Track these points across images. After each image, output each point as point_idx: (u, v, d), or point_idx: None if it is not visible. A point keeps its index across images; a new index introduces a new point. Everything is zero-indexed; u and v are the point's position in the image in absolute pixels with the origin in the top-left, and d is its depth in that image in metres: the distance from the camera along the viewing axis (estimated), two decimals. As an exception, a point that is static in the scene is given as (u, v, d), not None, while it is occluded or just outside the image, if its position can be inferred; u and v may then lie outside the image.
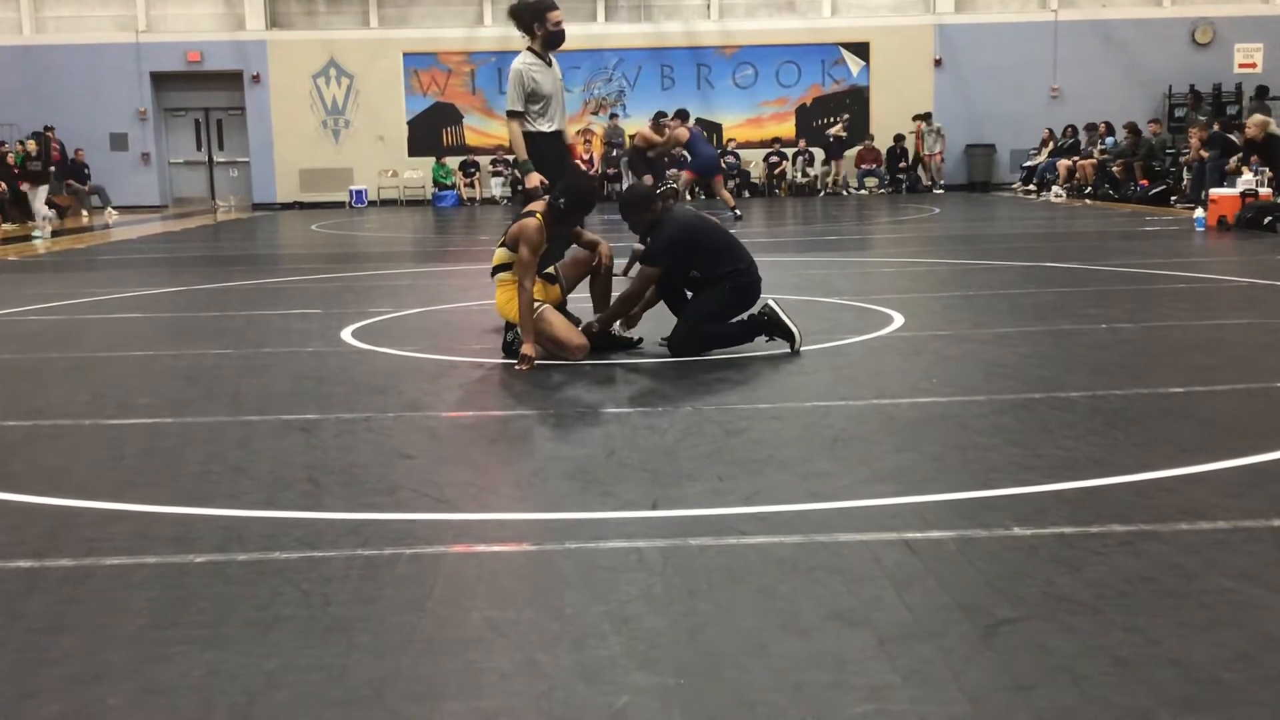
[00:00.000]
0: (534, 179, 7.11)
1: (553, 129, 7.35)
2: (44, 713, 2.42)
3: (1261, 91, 20.42)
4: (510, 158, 23.45)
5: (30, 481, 4.12)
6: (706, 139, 19.14)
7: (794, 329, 6.14)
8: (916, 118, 25.20)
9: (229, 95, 26.25)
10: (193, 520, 3.64)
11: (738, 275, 6.26)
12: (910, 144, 25.54)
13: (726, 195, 17.93)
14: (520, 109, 7.25)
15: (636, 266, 6.40)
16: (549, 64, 7.36)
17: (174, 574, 3.17)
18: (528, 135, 7.26)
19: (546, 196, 6.52)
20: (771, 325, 6.18)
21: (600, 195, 6.15)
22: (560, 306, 6.48)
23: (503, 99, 7.52)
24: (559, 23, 7.30)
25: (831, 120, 25.84)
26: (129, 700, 2.46)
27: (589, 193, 6.39)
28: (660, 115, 17.98)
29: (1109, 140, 22.23)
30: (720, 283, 6.23)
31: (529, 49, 7.32)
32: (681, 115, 17.58)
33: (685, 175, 17.92)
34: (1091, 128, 22.82)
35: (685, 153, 17.86)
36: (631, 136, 18.70)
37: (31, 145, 22.12)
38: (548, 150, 7.32)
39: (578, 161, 24.65)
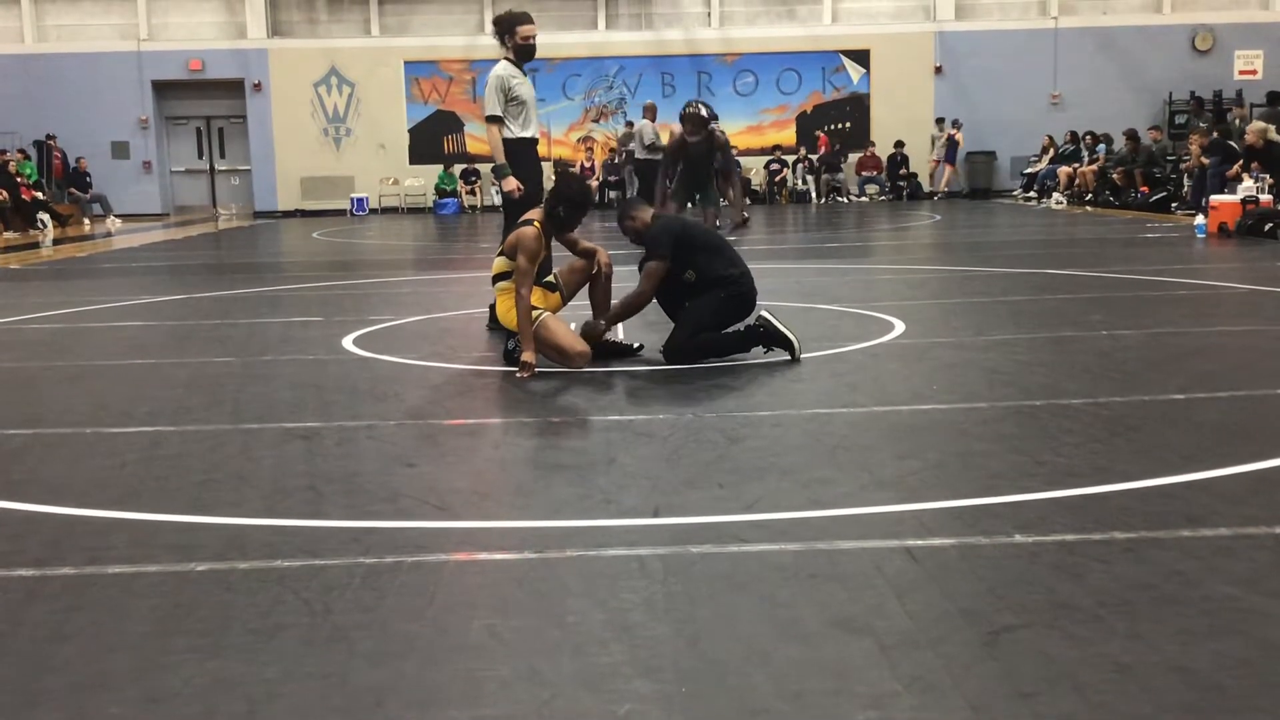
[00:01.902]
0: (510, 183, 7.44)
1: (532, 135, 7.61)
2: (45, 721, 2.43)
3: (1274, 97, 20.40)
4: (484, 165, 23.71)
5: (32, 490, 4.12)
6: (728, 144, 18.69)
7: (792, 337, 6.13)
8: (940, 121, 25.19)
9: (230, 103, 26.31)
10: (194, 528, 3.64)
11: (732, 283, 6.26)
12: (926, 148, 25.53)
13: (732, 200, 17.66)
14: (500, 114, 7.62)
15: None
16: (524, 74, 7.73)
17: (175, 582, 3.17)
18: (508, 141, 7.54)
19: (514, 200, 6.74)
20: (768, 336, 6.16)
21: (594, 199, 6.20)
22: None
23: (501, 108, 7.73)
24: (528, 37, 7.67)
25: (833, 128, 25.89)
26: (130, 709, 2.46)
27: (583, 195, 6.39)
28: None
29: (1099, 148, 22.27)
30: (716, 288, 6.23)
31: (506, 59, 7.68)
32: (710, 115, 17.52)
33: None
34: (1088, 135, 22.85)
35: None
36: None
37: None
38: (528, 155, 7.64)
39: (576, 169, 24.72)
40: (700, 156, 13.28)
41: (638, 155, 16.33)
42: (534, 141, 7.75)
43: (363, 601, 2.99)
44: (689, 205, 14.46)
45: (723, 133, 13.08)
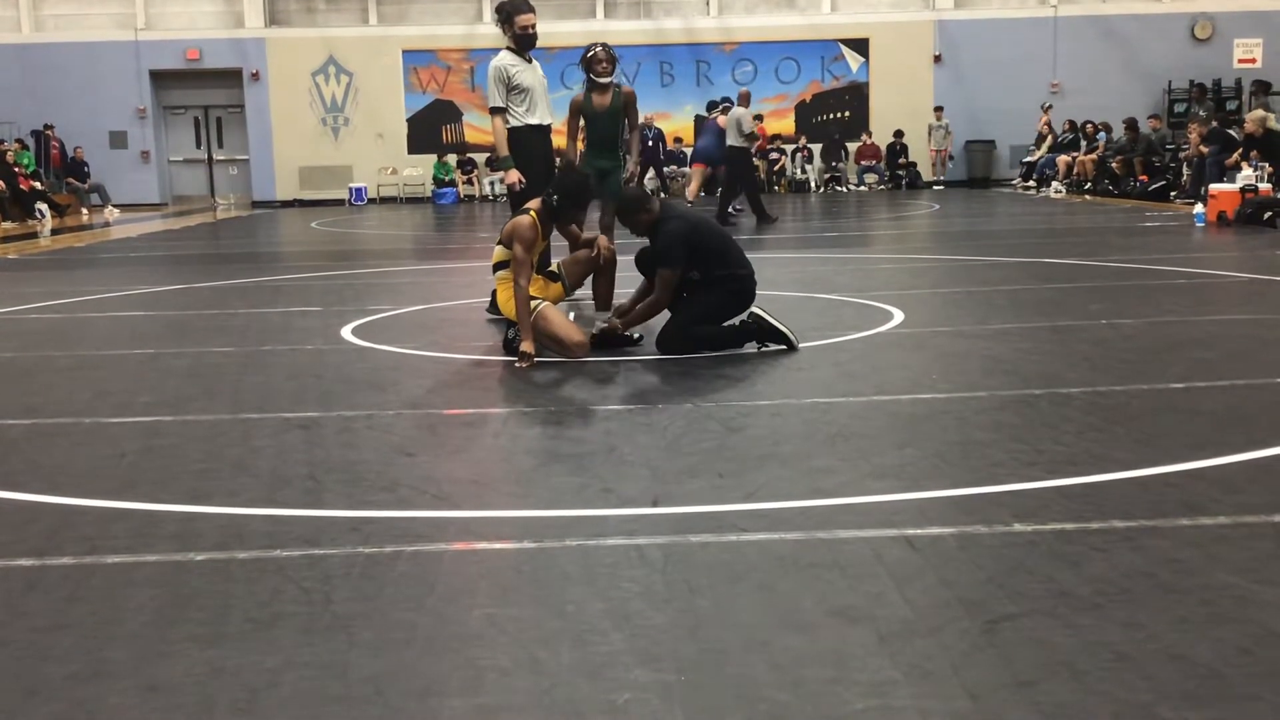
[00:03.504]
0: (513, 175, 7.41)
1: (538, 122, 7.54)
2: (45, 710, 2.42)
3: (1263, 87, 20.40)
4: (480, 155, 23.57)
5: (31, 480, 4.12)
6: (713, 130, 18.35)
7: (786, 331, 6.11)
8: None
9: (228, 93, 26.26)
10: (193, 518, 3.64)
11: (735, 281, 6.21)
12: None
13: (694, 188, 17.18)
14: (502, 105, 7.61)
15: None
16: (529, 61, 7.66)
17: (175, 572, 3.17)
18: (513, 129, 7.51)
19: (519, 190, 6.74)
20: (761, 332, 6.13)
21: (594, 192, 5.99)
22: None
23: (500, 97, 7.70)
24: (526, 26, 7.58)
25: (835, 117, 25.84)
26: (130, 698, 2.46)
27: (582, 188, 6.36)
28: (712, 105, 17.99)
29: (1099, 137, 22.25)
30: (716, 285, 6.20)
31: (507, 48, 7.66)
32: (716, 104, 17.66)
33: (695, 168, 17.72)
34: (1088, 125, 22.82)
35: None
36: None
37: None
38: (534, 143, 7.58)
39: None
40: (603, 119, 8.57)
41: (730, 143, 15.92)
42: (541, 129, 7.65)
43: (362, 591, 3.00)
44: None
45: (631, 92, 8.59)
